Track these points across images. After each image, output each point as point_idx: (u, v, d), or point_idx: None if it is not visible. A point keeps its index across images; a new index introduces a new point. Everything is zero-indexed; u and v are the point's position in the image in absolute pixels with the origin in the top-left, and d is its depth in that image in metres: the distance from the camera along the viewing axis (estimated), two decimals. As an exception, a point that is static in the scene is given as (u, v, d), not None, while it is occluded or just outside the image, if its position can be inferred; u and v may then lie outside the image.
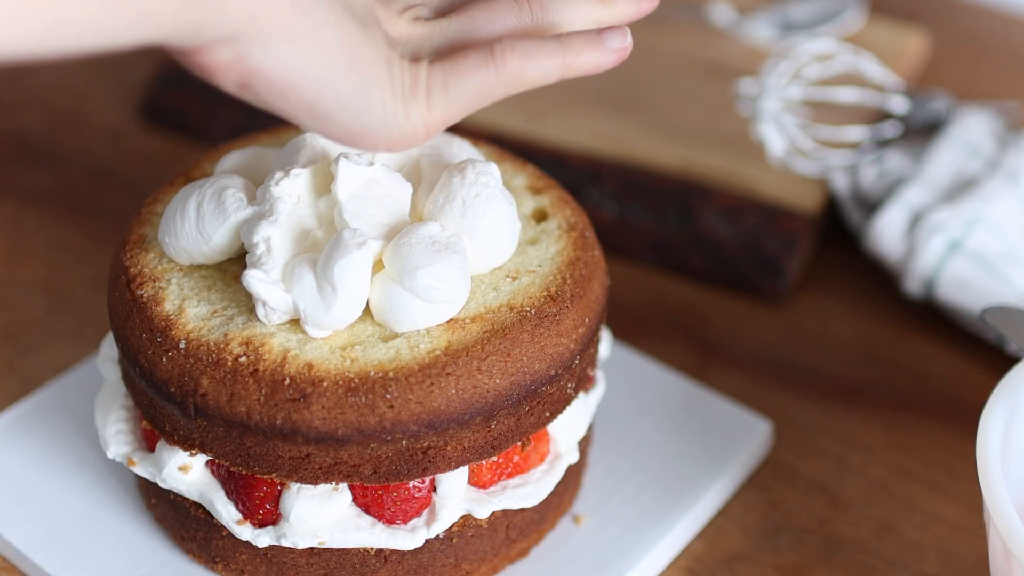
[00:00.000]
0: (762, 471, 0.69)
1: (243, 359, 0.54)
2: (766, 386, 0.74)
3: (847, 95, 0.80)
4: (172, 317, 0.56)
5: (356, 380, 0.53)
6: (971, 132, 0.80)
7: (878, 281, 0.81)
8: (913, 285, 0.76)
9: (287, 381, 0.53)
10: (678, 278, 0.81)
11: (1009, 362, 0.74)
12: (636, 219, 0.82)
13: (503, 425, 0.56)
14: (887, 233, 0.77)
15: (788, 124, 0.80)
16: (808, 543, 0.65)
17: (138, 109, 0.93)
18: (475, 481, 0.59)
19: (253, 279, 0.54)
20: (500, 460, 0.59)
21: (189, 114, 0.91)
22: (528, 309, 0.57)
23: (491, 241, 0.57)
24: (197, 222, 0.57)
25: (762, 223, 0.80)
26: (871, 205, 0.80)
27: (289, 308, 0.54)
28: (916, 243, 0.76)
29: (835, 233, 0.84)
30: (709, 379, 0.74)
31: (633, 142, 0.85)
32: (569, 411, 0.61)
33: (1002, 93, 0.95)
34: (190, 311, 0.56)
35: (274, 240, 0.55)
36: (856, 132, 0.81)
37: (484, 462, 0.58)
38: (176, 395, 0.55)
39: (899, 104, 0.82)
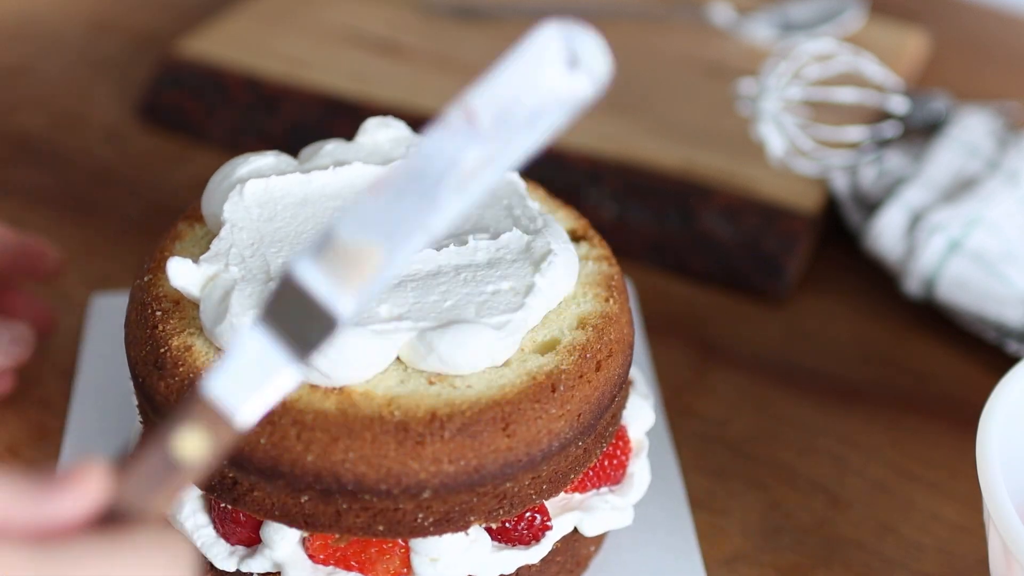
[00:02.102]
0: (762, 471, 0.69)
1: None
2: (766, 386, 0.74)
3: (847, 95, 0.80)
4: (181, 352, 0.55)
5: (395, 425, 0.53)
6: (971, 132, 0.80)
7: (878, 281, 0.81)
8: (913, 285, 0.76)
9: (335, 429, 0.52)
10: (678, 278, 0.81)
11: (1009, 362, 0.74)
12: (636, 219, 0.82)
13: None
14: (887, 233, 0.77)
15: (788, 124, 0.80)
16: (808, 543, 0.65)
17: (137, 109, 0.93)
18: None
19: None
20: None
21: (188, 114, 0.91)
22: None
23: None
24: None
25: (762, 223, 0.80)
26: (871, 205, 0.79)
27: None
28: (916, 243, 0.76)
29: (835, 233, 0.84)
30: (709, 379, 0.74)
31: (633, 142, 0.85)
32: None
33: (1002, 93, 0.95)
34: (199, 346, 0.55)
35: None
36: (856, 132, 0.81)
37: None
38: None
39: (899, 104, 0.81)
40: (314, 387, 0.53)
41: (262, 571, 0.56)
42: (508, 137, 0.40)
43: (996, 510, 0.52)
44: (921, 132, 0.83)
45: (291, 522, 0.54)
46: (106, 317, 0.74)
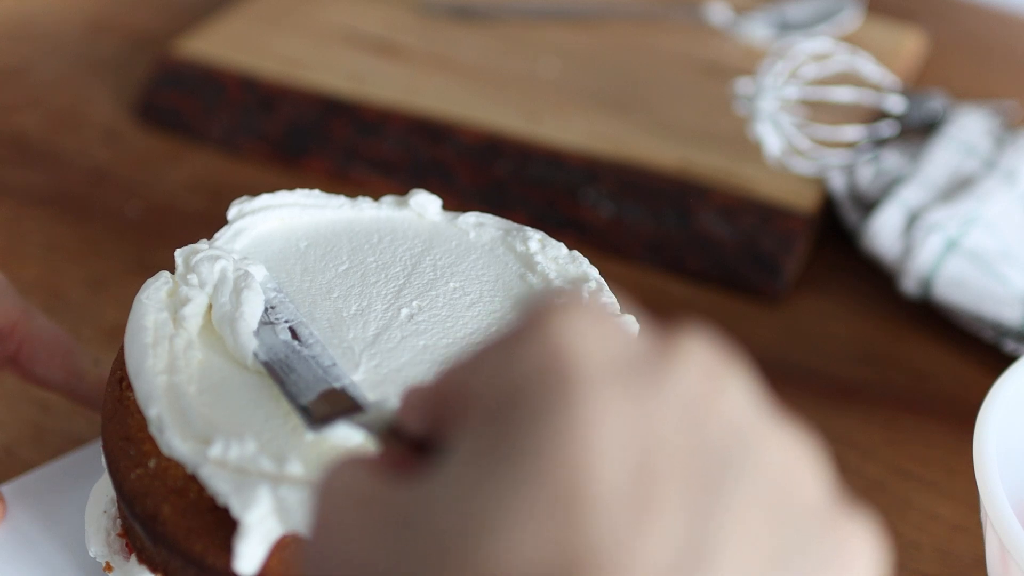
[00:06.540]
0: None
1: (206, 492, 0.49)
2: (763, 385, 0.74)
3: (844, 94, 0.80)
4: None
5: None
6: (968, 131, 0.80)
7: (875, 280, 0.81)
8: (910, 284, 0.76)
9: None
10: (675, 278, 0.81)
11: (1006, 361, 0.74)
12: (633, 219, 0.82)
13: None
14: (884, 232, 0.77)
15: (785, 123, 0.80)
16: (805, 543, 0.65)
17: (134, 109, 0.92)
18: None
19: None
20: None
21: (185, 114, 0.91)
22: None
23: None
24: None
25: (759, 222, 0.80)
26: (868, 204, 0.80)
27: None
28: (913, 242, 0.76)
29: (832, 232, 0.84)
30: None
31: (630, 142, 0.85)
32: None
33: (1000, 93, 0.95)
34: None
35: None
36: (853, 131, 0.81)
37: None
38: (140, 516, 0.50)
39: (896, 103, 0.82)
40: None
41: None
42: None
43: (993, 509, 0.52)
44: (918, 131, 0.83)
45: None
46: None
